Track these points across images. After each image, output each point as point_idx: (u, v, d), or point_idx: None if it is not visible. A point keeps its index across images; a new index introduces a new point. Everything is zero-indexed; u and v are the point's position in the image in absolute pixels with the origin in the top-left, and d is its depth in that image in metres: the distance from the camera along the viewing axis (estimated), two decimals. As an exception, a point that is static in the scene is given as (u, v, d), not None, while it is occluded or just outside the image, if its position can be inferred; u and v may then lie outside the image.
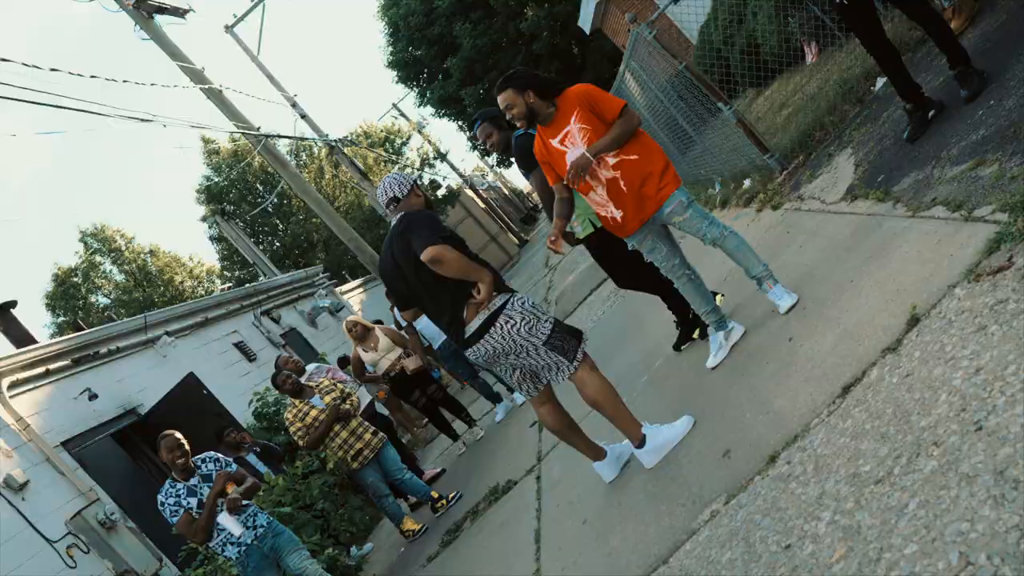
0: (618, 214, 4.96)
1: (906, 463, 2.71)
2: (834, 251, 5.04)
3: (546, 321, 4.59)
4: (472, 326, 4.52)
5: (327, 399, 8.12)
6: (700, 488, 3.91)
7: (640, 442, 4.63)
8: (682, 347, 5.99)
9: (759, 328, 5.03)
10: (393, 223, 4.83)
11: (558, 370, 4.60)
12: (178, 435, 6.43)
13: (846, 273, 4.54)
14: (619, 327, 8.76)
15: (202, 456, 6.53)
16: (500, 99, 4.97)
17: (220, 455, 6.63)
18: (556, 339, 4.57)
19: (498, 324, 4.49)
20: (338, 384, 8.54)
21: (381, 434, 8.30)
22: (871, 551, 2.51)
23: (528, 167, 5.64)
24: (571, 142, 4.88)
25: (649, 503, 4.26)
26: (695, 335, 5.91)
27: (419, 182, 5.00)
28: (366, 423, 8.35)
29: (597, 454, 4.95)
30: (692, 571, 3.34)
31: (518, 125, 5.04)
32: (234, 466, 6.60)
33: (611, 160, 4.85)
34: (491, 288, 4.49)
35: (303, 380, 8.76)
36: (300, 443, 8.17)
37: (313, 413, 8.02)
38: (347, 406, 8.17)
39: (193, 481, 6.31)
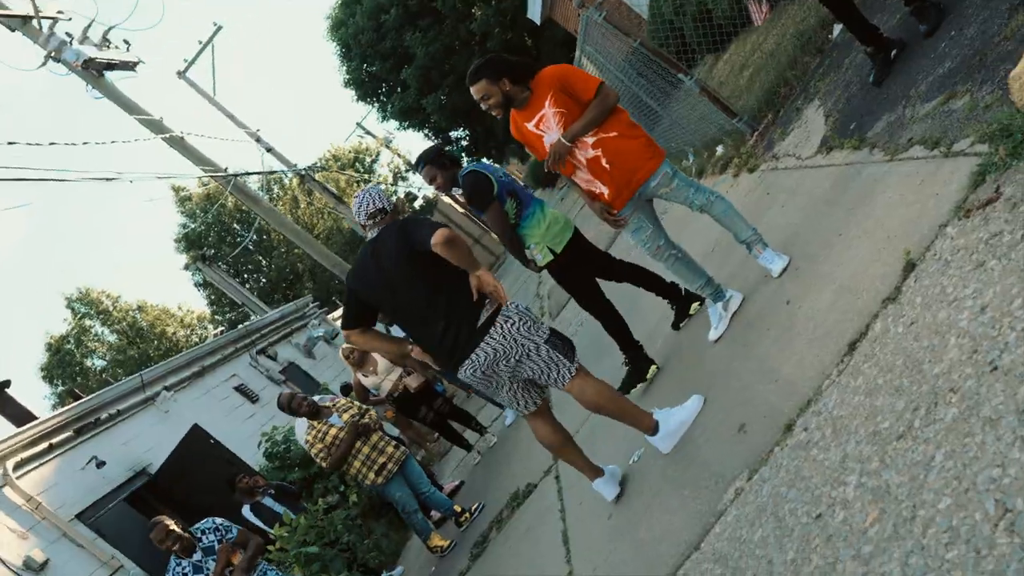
0: (605, 190, 4.92)
1: (925, 414, 2.64)
2: (817, 206, 4.98)
3: (544, 325, 4.47)
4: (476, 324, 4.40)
5: (345, 416, 8.03)
6: (720, 467, 3.82)
7: (653, 429, 4.52)
8: (681, 324, 5.88)
9: (754, 294, 4.96)
10: (375, 234, 4.64)
11: (559, 372, 4.42)
12: (165, 521, 6.38)
13: (833, 227, 4.47)
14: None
15: (200, 527, 6.47)
16: (474, 90, 4.89)
17: (220, 522, 6.57)
18: (556, 339, 4.45)
19: (497, 325, 4.34)
20: (354, 403, 8.45)
21: (403, 447, 8.22)
22: (904, 510, 2.43)
23: (481, 206, 5.59)
24: (546, 126, 4.86)
25: (672, 489, 4.18)
26: (692, 310, 5.81)
27: (399, 201, 4.92)
28: (387, 437, 8.24)
29: (595, 472, 4.78)
30: (726, 554, 3.26)
31: (495, 114, 4.96)
32: (234, 530, 6.53)
33: (589, 140, 4.81)
34: (489, 275, 4.33)
35: None
36: (322, 464, 8.04)
37: (332, 432, 7.90)
38: (366, 420, 8.08)
39: (196, 557, 6.25)
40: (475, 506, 8.03)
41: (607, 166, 4.85)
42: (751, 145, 7.53)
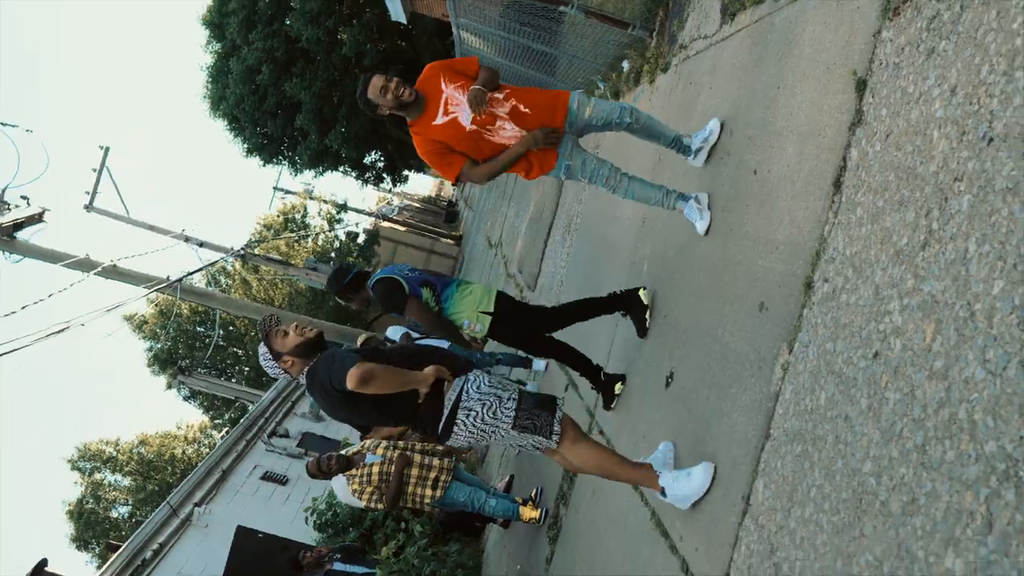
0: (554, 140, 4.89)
1: (940, 214, 2.55)
2: (744, 73, 4.88)
3: (509, 399, 4.08)
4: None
5: (379, 451, 7.86)
6: (757, 352, 3.73)
7: (661, 492, 4.09)
8: (612, 405, 5.77)
9: (718, 180, 4.86)
10: (303, 380, 4.34)
11: (537, 445, 4.11)
12: None
13: (769, 83, 4.37)
14: (589, 258, 8.60)
15: None
16: (372, 89, 4.83)
17: None
18: (524, 419, 4.05)
19: (459, 421, 4.04)
20: (382, 440, 8.27)
21: (448, 457, 8.05)
22: (960, 312, 2.35)
23: (399, 309, 5.51)
24: (455, 104, 4.81)
25: (717, 393, 4.07)
26: (617, 390, 5.73)
27: (275, 330, 4.46)
28: (427, 453, 8.06)
29: (653, 477, 4.15)
30: (798, 429, 3.17)
31: (405, 97, 4.80)
32: None
33: (500, 95, 4.82)
34: (434, 373, 4.04)
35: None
36: (378, 506, 7.85)
37: (376, 470, 7.72)
38: (403, 446, 7.92)
39: None
40: (534, 492, 7.92)
41: (527, 110, 4.82)
42: (654, 47, 7.43)
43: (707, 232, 4.82)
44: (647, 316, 5.55)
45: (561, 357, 5.83)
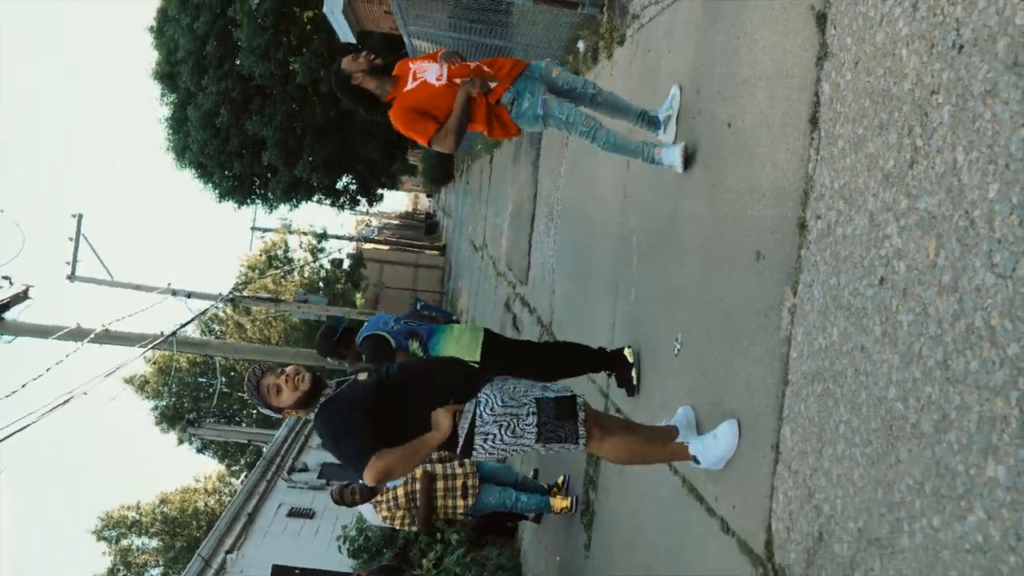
0: (493, 83, 4.96)
1: (922, 129, 2.54)
2: (702, 31, 4.88)
3: (528, 414, 3.88)
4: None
5: None
6: (761, 301, 3.72)
7: (694, 460, 4.06)
8: (637, 392, 5.65)
9: (693, 139, 4.83)
10: (314, 419, 4.11)
11: (567, 451, 4.00)
12: None
13: (728, 35, 4.37)
14: (577, 242, 8.58)
15: None
16: (346, 60, 4.99)
17: None
18: (548, 431, 3.90)
19: (477, 446, 3.90)
20: None
21: (467, 461, 7.98)
22: (959, 221, 2.34)
23: (391, 356, 5.53)
24: (423, 71, 4.94)
25: (728, 349, 4.06)
26: (633, 375, 5.62)
27: (266, 387, 4.17)
28: (446, 461, 7.97)
29: (681, 449, 4.11)
30: (817, 369, 3.15)
31: (378, 62, 4.97)
32: None
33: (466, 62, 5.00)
34: (447, 420, 3.89)
35: None
36: (412, 528, 7.78)
37: (401, 492, 7.64)
38: (426, 466, 7.87)
39: None
40: (561, 480, 7.89)
41: (489, 69, 4.94)
42: (607, 22, 7.43)
43: (685, 168, 4.81)
44: (632, 374, 5.53)
45: (565, 375, 5.73)
